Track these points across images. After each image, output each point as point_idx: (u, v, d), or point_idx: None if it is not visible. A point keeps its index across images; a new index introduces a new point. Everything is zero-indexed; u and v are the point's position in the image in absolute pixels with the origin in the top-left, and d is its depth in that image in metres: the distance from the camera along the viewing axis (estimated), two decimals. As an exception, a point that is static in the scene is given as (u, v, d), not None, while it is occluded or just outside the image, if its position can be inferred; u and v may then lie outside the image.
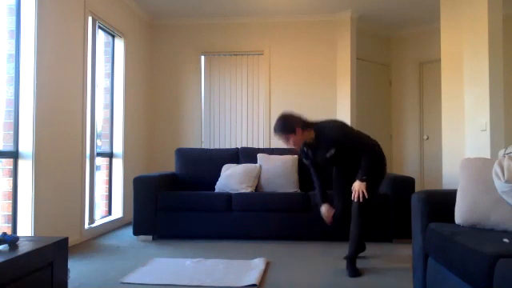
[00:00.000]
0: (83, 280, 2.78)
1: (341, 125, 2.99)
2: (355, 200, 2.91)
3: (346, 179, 3.20)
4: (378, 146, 3.05)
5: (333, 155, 2.97)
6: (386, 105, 6.68)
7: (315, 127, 2.98)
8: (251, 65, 6.07)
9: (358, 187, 2.90)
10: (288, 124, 2.92)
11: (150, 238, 4.14)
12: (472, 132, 4.04)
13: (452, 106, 4.49)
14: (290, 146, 2.97)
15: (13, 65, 3.28)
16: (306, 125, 2.97)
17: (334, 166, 3.26)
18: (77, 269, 3.03)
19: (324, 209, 3.20)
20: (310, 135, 2.99)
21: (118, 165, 4.96)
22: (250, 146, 5.94)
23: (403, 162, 6.56)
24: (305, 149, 3.12)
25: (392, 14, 5.84)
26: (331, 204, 3.24)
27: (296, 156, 4.52)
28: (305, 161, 3.22)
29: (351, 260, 2.97)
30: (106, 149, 4.88)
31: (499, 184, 2.02)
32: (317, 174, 3.23)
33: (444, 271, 2.01)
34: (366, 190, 2.90)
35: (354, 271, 2.90)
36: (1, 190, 3.23)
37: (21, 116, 3.29)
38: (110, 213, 4.90)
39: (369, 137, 3.08)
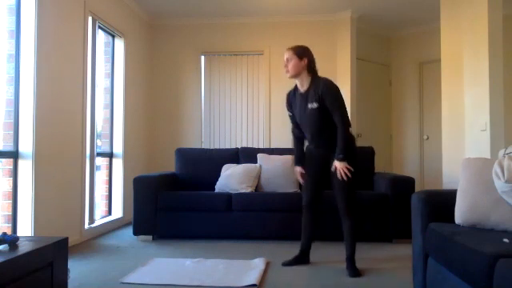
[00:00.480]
0: (83, 280, 2.78)
1: (336, 86, 2.92)
2: (340, 179, 2.83)
3: (318, 165, 3.06)
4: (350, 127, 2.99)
5: (313, 110, 2.88)
6: (386, 105, 6.67)
7: (315, 77, 2.97)
8: (251, 65, 6.07)
9: (339, 166, 2.82)
10: (303, 50, 2.97)
11: (149, 237, 4.14)
12: (472, 132, 4.04)
13: (452, 106, 4.49)
14: (286, 68, 2.96)
15: (13, 65, 3.28)
16: (312, 68, 2.99)
17: (306, 130, 3.04)
18: (77, 269, 3.03)
19: (298, 169, 3.20)
20: (305, 78, 2.98)
21: (117, 165, 4.96)
22: (249, 146, 5.94)
23: (403, 162, 6.56)
24: (292, 93, 3.09)
25: (392, 14, 5.84)
26: (302, 165, 3.19)
27: (296, 156, 4.51)
28: (289, 113, 3.15)
29: (351, 260, 2.97)
30: (105, 149, 4.88)
31: (499, 184, 2.02)
32: (298, 133, 3.16)
33: (444, 271, 2.01)
34: (348, 170, 2.83)
35: (355, 271, 2.89)
36: (1, 190, 3.23)
37: (21, 116, 3.29)
38: (110, 213, 4.90)
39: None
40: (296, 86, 3.06)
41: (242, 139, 6.02)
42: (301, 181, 3.18)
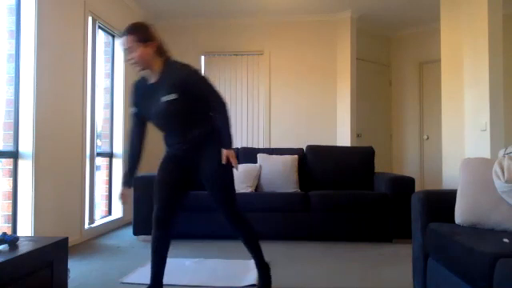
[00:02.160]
0: (83, 280, 2.78)
1: (197, 69, 2.32)
2: (236, 167, 2.28)
3: (180, 170, 2.38)
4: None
5: (170, 102, 2.21)
6: (386, 105, 6.67)
7: (167, 59, 2.31)
8: (251, 65, 6.07)
9: (226, 152, 2.26)
10: (146, 31, 2.25)
11: (149, 237, 4.13)
12: (472, 132, 4.04)
13: (452, 106, 4.49)
14: (132, 60, 2.22)
15: (13, 65, 3.28)
16: (161, 49, 2.30)
17: (162, 125, 2.35)
18: (77, 269, 3.03)
19: (125, 192, 2.39)
20: (157, 65, 2.27)
21: (118, 165, 4.96)
22: (249, 146, 5.94)
23: (403, 162, 6.56)
24: (139, 85, 2.36)
25: (392, 14, 5.84)
26: (130, 187, 2.41)
27: (296, 156, 4.52)
28: (131, 109, 2.39)
29: (263, 266, 2.50)
30: (106, 149, 4.88)
31: (499, 184, 2.02)
32: (138, 133, 2.41)
33: (444, 271, 2.01)
34: (226, 167, 2.31)
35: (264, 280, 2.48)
36: (1, 190, 3.23)
37: (21, 116, 3.29)
38: (109, 213, 4.89)
39: None
40: (142, 76, 2.37)
41: (242, 139, 6.02)
42: (121, 203, 2.40)
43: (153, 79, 2.30)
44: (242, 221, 2.42)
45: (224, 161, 2.26)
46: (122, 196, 2.37)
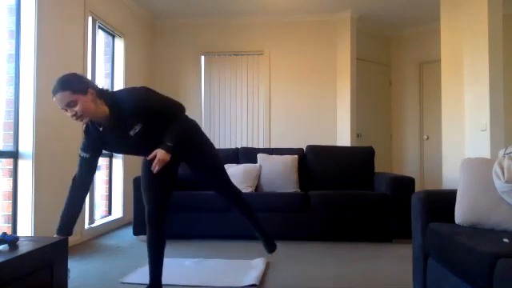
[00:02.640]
0: (83, 280, 2.78)
1: (142, 88, 2.20)
2: (154, 170, 2.10)
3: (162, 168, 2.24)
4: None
5: (139, 133, 2.16)
6: (386, 105, 6.67)
7: (109, 99, 2.13)
8: (251, 65, 6.07)
9: (160, 155, 2.09)
10: (80, 80, 2.06)
11: (150, 238, 4.13)
12: (472, 132, 4.04)
13: (452, 106, 4.49)
14: (76, 115, 2.02)
15: (13, 65, 3.28)
16: (100, 92, 2.11)
17: (140, 152, 2.34)
18: (77, 269, 3.03)
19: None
20: (103, 110, 2.10)
21: (117, 165, 4.96)
22: (250, 146, 5.94)
23: (403, 162, 6.56)
24: (91, 130, 2.21)
25: (392, 14, 5.84)
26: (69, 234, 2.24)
27: (296, 156, 4.52)
28: (83, 153, 2.21)
29: (267, 235, 2.78)
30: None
31: (499, 184, 2.02)
32: (88, 171, 2.24)
33: (444, 271, 2.01)
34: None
35: (270, 243, 2.74)
36: (1, 190, 3.23)
37: (21, 116, 3.29)
38: (109, 213, 4.89)
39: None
40: (91, 124, 2.18)
41: (242, 139, 6.02)
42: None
43: (105, 123, 2.15)
44: (241, 199, 2.61)
45: (150, 157, 2.12)
46: None
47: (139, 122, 2.14)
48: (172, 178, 2.44)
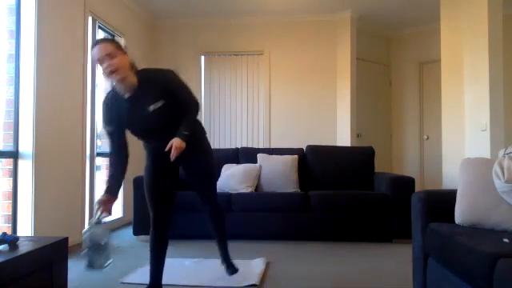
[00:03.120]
0: (83, 280, 2.78)
1: (170, 70, 2.31)
2: (172, 158, 2.13)
3: (166, 170, 2.39)
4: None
5: (159, 109, 2.21)
6: (386, 105, 6.67)
7: (139, 73, 2.24)
8: (251, 65, 6.07)
9: (176, 143, 2.13)
10: (120, 44, 2.21)
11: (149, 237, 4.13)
12: (472, 132, 4.04)
13: (452, 106, 4.49)
14: (111, 68, 2.08)
15: (13, 65, 3.28)
16: (133, 64, 2.23)
17: (152, 131, 2.31)
18: (77, 269, 3.03)
19: (105, 198, 2.25)
20: (133, 79, 2.19)
21: (117, 165, 4.96)
22: (250, 146, 5.94)
23: (403, 162, 6.56)
24: (110, 103, 2.26)
25: (392, 14, 5.84)
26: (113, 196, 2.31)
27: (296, 156, 4.52)
28: (108, 128, 2.27)
29: (229, 260, 2.76)
30: (106, 149, 4.88)
31: (499, 184, 2.02)
32: (119, 146, 2.29)
33: (444, 271, 2.01)
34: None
35: (234, 268, 2.72)
36: (1, 190, 3.23)
37: (21, 116, 3.29)
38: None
39: None
40: (113, 92, 2.27)
41: (242, 139, 6.02)
42: (102, 213, 2.26)
43: (128, 93, 2.22)
44: (221, 214, 2.65)
45: (167, 148, 2.16)
46: (103, 203, 2.23)
47: (162, 98, 2.21)
48: (175, 179, 2.47)
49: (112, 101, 2.26)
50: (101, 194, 2.25)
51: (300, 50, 5.99)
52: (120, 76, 2.11)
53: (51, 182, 3.52)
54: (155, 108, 2.20)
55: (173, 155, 2.12)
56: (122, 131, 2.29)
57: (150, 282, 2.43)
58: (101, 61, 2.09)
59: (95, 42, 2.13)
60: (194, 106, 2.28)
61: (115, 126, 2.26)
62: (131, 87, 2.20)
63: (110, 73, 2.09)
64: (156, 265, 2.41)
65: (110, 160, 2.31)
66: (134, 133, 2.32)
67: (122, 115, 2.25)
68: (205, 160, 2.47)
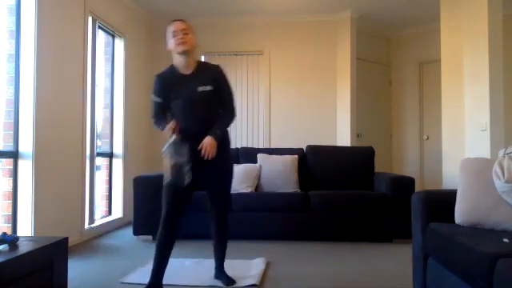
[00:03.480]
0: (83, 280, 2.78)
1: (224, 70, 2.63)
2: (205, 157, 2.37)
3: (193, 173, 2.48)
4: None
5: (206, 92, 2.47)
6: (386, 105, 6.67)
7: (198, 61, 2.60)
8: (251, 65, 6.07)
9: (207, 141, 2.38)
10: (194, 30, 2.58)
11: (149, 237, 4.14)
12: (472, 132, 4.04)
13: (452, 106, 4.49)
14: (184, 38, 2.44)
15: (13, 65, 3.28)
16: (197, 47, 2.63)
17: (190, 116, 2.50)
18: (77, 269, 3.03)
19: (172, 125, 2.41)
20: (193, 58, 2.54)
21: (117, 165, 4.96)
22: (250, 145, 5.94)
23: (403, 162, 6.56)
24: (167, 77, 2.57)
25: (392, 14, 5.84)
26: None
27: (296, 156, 4.52)
28: (154, 97, 2.57)
29: (224, 272, 2.73)
30: (105, 149, 4.88)
31: (499, 184, 2.02)
32: (159, 113, 2.58)
33: (444, 271, 2.01)
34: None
35: (229, 278, 2.68)
36: (1, 190, 3.23)
37: (21, 116, 3.29)
38: (110, 213, 4.89)
39: None
40: (170, 68, 2.60)
41: (242, 139, 6.02)
42: (169, 132, 2.40)
43: (186, 71, 2.52)
44: (227, 226, 2.70)
45: (200, 147, 2.38)
46: (173, 126, 2.39)
47: (212, 85, 2.48)
48: (196, 185, 2.55)
49: (167, 75, 2.57)
50: (168, 127, 2.41)
51: (300, 50, 5.99)
52: (186, 47, 2.45)
53: (51, 182, 3.52)
54: (203, 90, 2.47)
55: (208, 154, 2.36)
56: (166, 104, 2.55)
57: (151, 281, 2.44)
58: (176, 33, 2.46)
59: (173, 20, 2.53)
60: (232, 114, 2.57)
61: (162, 98, 2.54)
62: (189, 65, 2.52)
63: (181, 41, 2.44)
64: (160, 263, 2.45)
65: (154, 121, 2.59)
66: (177, 107, 2.51)
67: (172, 89, 2.51)
68: (228, 169, 2.62)
